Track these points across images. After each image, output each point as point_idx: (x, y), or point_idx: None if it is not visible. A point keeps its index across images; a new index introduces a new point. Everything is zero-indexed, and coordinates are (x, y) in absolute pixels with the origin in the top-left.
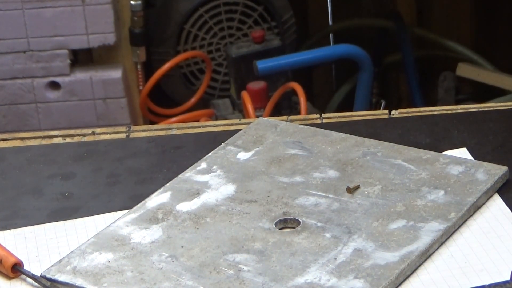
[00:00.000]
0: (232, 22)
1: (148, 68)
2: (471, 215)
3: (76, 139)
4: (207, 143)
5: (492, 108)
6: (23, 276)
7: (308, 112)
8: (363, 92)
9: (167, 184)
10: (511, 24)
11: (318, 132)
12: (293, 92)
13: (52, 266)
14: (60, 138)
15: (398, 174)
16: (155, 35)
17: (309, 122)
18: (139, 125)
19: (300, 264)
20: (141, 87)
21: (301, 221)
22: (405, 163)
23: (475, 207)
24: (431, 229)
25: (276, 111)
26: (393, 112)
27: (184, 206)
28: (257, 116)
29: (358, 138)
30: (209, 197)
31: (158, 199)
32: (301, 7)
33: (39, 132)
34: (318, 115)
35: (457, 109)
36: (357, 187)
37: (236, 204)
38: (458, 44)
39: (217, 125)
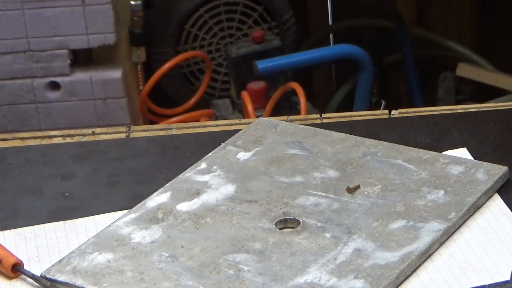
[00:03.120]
0: (232, 22)
1: (148, 68)
2: (471, 215)
3: (76, 139)
4: (207, 143)
5: (492, 108)
6: (23, 276)
7: (308, 112)
8: (363, 92)
9: (167, 184)
10: (511, 24)
11: (318, 132)
12: (293, 92)
13: (52, 266)
14: (60, 138)
15: (398, 174)
16: (155, 35)
17: (309, 122)
18: (139, 125)
19: (300, 264)
20: (141, 87)
21: (301, 221)
22: (405, 163)
23: (475, 207)
24: (431, 229)
25: (276, 111)
26: (393, 112)
27: (184, 206)
28: (257, 116)
29: (358, 138)
30: (209, 197)
31: (158, 199)
32: (301, 7)
33: (39, 132)
34: (318, 115)
35: (457, 109)
36: (357, 187)
37: (236, 204)
38: (458, 44)
39: (217, 125)
